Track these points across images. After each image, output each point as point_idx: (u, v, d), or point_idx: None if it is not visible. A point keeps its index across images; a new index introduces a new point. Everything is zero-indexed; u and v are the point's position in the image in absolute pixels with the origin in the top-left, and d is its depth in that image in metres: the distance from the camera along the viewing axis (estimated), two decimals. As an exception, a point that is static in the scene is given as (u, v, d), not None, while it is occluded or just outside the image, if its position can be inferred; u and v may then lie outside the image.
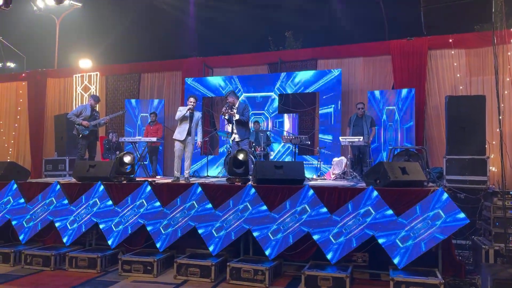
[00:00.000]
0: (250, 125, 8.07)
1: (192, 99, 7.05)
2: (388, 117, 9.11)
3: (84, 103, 9.91)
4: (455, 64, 9.08)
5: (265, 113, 10.19)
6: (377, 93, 9.28)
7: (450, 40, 9.07)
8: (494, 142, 8.22)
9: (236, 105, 7.51)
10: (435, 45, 9.27)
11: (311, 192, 5.07)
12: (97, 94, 11.07)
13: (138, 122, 11.03)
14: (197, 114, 7.14)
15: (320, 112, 9.82)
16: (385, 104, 9.14)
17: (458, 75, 9.03)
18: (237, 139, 7.42)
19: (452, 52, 9.12)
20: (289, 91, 10.02)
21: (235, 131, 7.46)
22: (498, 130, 5.76)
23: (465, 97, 7.58)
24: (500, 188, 5.42)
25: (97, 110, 8.52)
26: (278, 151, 10.00)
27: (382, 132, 9.13)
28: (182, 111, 6.98)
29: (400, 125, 8.96)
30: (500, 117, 4.97)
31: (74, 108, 9.80)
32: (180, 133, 6.99)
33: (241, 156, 5.91)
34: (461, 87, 8.95)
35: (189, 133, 6.98)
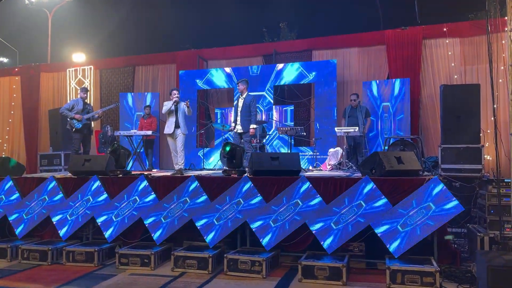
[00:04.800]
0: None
1: (175, 92, 7.18)
2: (383, 107, 9.12)
3: (77, 97, 9.88)
4: (450, 53, 9.08)
5: (260, 106, 10.17)
6: (372, 83, 9.27)
7: (445, 29, 9.06)
8: (489, 131, 8.25)
9: (244, 96, 7.52)
10: (429, 34, 9.26)
11: (307, 183, 5.08)
12: (91, 88, 11.04)
13: (134, 115, 10.98)
14: (181, 104, 7.20)
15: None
16: (380, 94, 9.14)
17: (453, 64, 9.03)
18: (239, 131, 7.44)
19: (447, 41, 9.11)
20: (283, 82, 10.00)
21: (238, 122, 7.46)
22: (492, 118, 5.77)
23: (460, 86, 7.59)
24: (494, 176, 5.45)
25: (90, 103, 8.48)
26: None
27: (377, 122, 9.14)
28: (167, 105, 7.08)
29: (395, 115, 8.97)
30: (495, 106, 4.98)
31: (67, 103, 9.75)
32: (168, 127, 7.11)
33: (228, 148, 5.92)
34: (455, 76, 8.95)
35: (177, 126, 7.06)
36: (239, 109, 7.53)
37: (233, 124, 7.73)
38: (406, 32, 9.34)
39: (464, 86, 7.46)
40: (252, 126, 7.43)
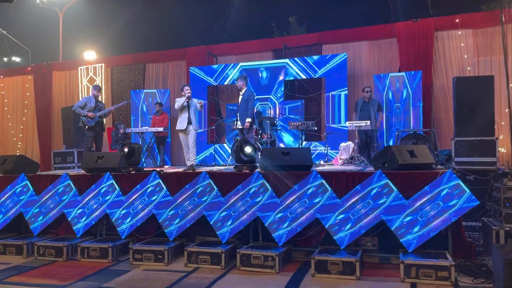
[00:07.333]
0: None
1: (187, 88, 7.22)
2: (394, 101, 9.04)
3: (89, 95, 9.96)
4: (462, 44, 8.96)
5: (272, 98, 10.14)
6: (383, 76, 9.19)
7: (457, 21, 8.93)
8: (503, 123, 8.14)
9: (243, 91, 7.55)
10: (441, 26, 9.13)
11: (319, 177, 5.06)
12: (102, 86, 11.12)
13: (145, 112, 11.04)
14: (193, 101, 7.25)
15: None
16: (391, 88, 9.06)
17: (466, 56, 8.91)
18: (239, 127, 7.51)
19: (459, 32, 8.98)
20: (293, 77, 9.96)
21: (238, 118, 7.56)
22: (507, 110, 5.69)
23: (473, 78, 7.49)
24: (510, 168, 5.38)
25: (102, 100, 8.54)
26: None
27: (389, 116, 9.06)
28: (180, 101, 7.11)
29: (407, 108, 8.88)
30: (510, 97, 4.90)
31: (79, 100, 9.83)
32: (181, 122, 7.14)
33: (248, 149, 5.91)
34: (468, 68, 8.84)
35: (189, 122, 7.10)
36: (239, 105, 7.61)
37: (235, 122, 7.81)
38: (418, 24, 9.23)
39: (478, 78, 7.36)
40: (248, 120, 7.44)
